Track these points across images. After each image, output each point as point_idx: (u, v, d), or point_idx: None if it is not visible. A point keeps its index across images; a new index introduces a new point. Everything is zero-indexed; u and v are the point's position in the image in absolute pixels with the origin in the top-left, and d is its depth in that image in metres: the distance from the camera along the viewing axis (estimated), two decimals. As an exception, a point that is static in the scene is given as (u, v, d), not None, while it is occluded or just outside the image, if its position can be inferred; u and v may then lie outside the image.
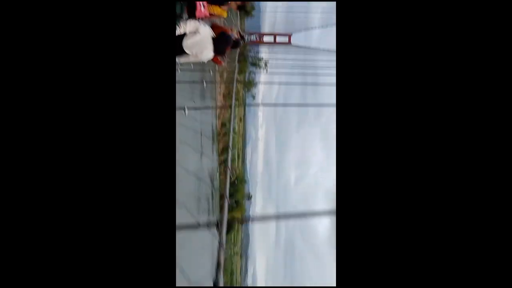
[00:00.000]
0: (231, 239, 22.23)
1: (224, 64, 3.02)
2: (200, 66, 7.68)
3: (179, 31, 2.26)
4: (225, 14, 2.73)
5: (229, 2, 2.60)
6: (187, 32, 2.29)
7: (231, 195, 19.65)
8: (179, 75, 5.83)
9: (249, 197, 25.79)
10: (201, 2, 2.31)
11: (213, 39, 2.42)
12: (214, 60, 2.60)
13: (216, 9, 2.61)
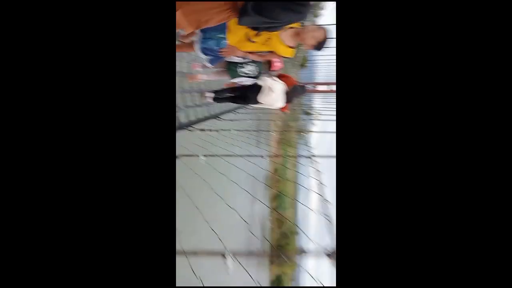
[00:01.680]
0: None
1: (289, 111, 3.31)
2: (256, 115, 8.03)
3: (257, 84, 2.67)
4: (290, 54, 2.41)
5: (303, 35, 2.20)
6: (263, 86, 2.70)
7: (281, 248, 18.44)
8: (237, 124, 5.95)
9: (301, 252, 23.84)
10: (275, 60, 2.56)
11: (287, 91, 2.76)
12: (282, 109, 2.86)
13: (284, 50, 2.32)
